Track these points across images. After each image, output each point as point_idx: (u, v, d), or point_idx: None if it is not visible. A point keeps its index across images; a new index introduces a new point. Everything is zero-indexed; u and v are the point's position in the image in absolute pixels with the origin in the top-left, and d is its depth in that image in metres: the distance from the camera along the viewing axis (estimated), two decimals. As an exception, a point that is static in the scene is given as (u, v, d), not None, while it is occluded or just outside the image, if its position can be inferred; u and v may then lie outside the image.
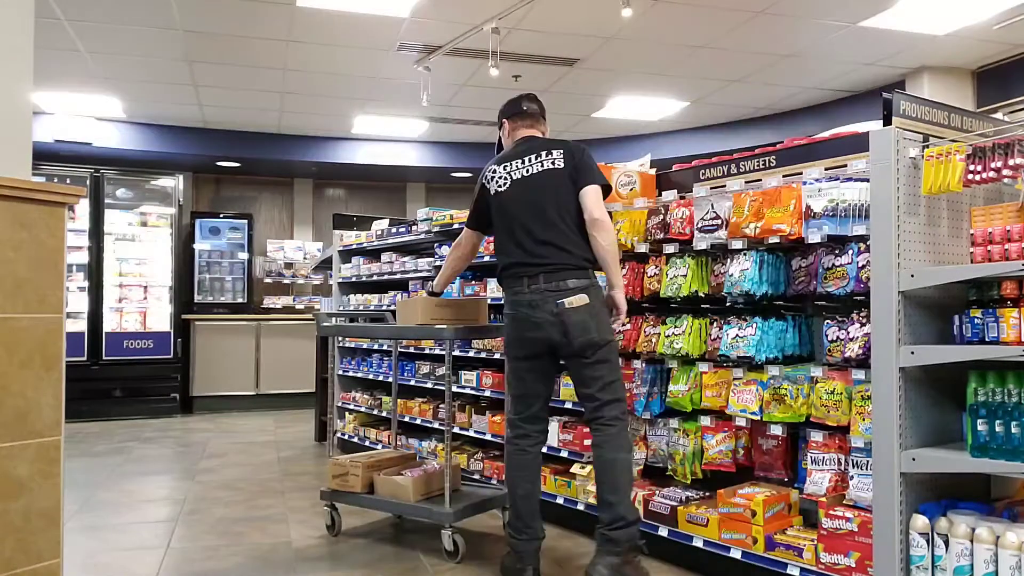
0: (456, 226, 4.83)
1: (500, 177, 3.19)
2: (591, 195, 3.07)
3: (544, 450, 4.01)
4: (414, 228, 5.36)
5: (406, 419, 5.26)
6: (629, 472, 3.03)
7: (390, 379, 5.49)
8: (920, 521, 2.50)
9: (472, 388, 4.68)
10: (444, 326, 3.58)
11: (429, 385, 5.08)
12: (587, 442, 3.79)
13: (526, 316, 3.03)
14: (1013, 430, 2.30)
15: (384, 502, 3.75)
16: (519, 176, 3.15)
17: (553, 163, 3.12)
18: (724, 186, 3.31)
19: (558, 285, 2.98)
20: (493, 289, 4.56)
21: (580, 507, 3.76)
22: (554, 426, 3.99)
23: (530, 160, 3.15)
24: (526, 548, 3.08)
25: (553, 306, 2.97)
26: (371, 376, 5.76)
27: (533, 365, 3.11)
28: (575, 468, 3.82)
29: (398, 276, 5.56)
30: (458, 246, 3.53)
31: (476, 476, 4.47)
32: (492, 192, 3.21)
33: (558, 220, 3.05)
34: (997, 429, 2.33)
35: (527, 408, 3.16)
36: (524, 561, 3.06)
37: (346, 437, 5.98)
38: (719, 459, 3.24)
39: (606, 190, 3.16)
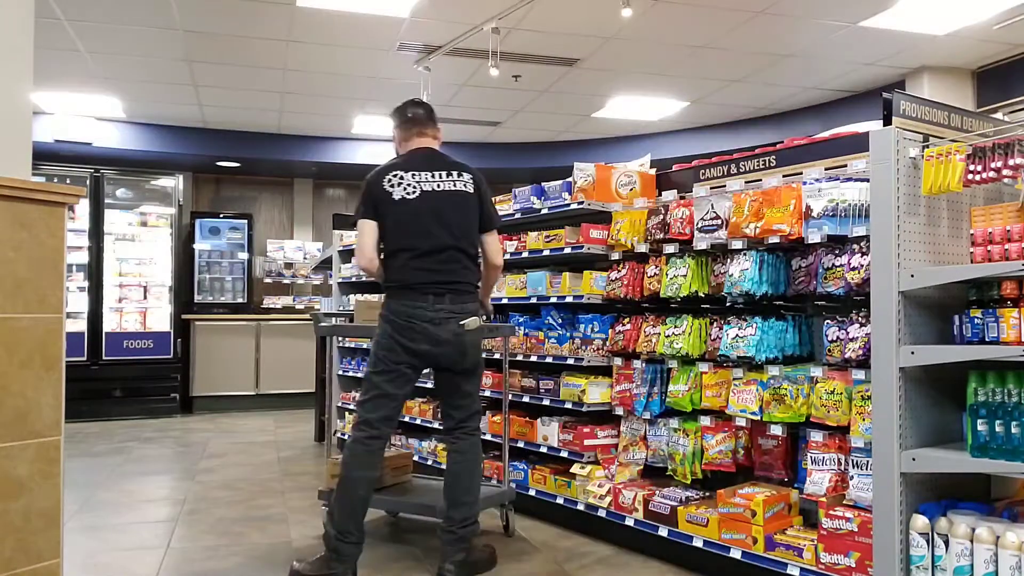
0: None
1: (409, 185, 3.12)
2: (494, 242, 3.30)
3: (544, 450, 4.04)
4: (414, 228, 5.35)
5: (406, 419, 5.25)
6: (481, 476, 3.41)
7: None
8: (920, 521, 2.49)
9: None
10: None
11: (429, 385, 5.07)
12: (586, 442, 3.80)
13: (423, 330, 3.06)
14: (1013, 430, 2.30)
15: (383, 500, 3.75)
16: (429, 189, 3.13)
17: (464, 185, 3.20)
18: (724, 186, 3.32)
19: (463, 307, 3.12)
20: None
21: (580, 507, 3.76)
22: (554, 426, 3.99)
23: (440, 176, 3.17)
24: (353, 552, 3.11)
25: (455, 326, 3.08)
26: (371, 376, 5.75)
27: (412, 376, 3.16)
28: (575, 468, 3.83)
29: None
30: (372, 245, 3.19)
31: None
32: (396, 198, 3.11)
33: (465, 243, 3.17)
34: (997, 429, 2.33)
35: (390, 411, 3.17)
36: (346, 563, 3.09)
37: (346, 437, 5.97)
38: (719, 459, 3.24)
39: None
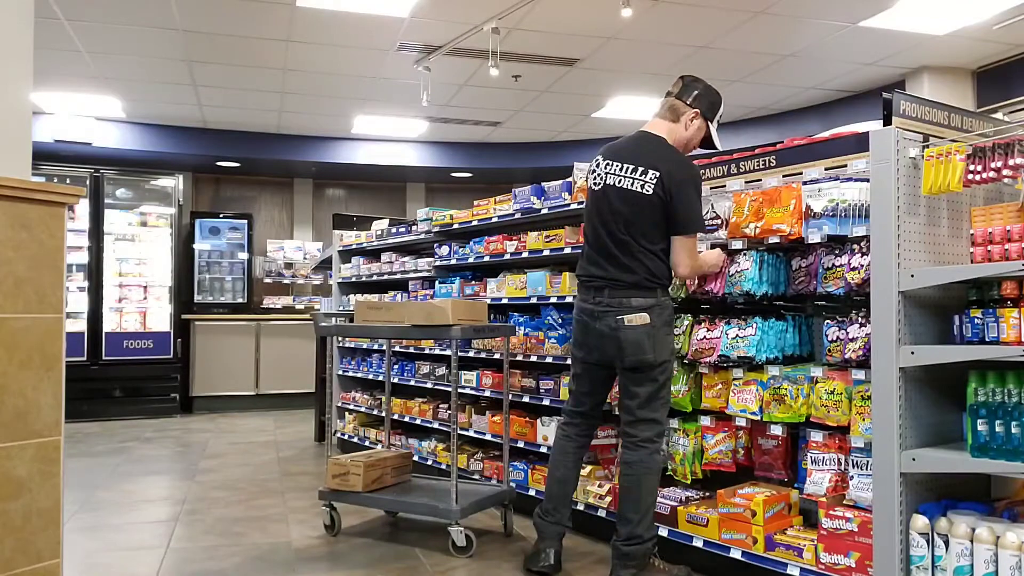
0: (456, 226, 4.83)
1: (597, 175, 3.13)
2: (679, 250, 3.01)
3: (544, 450, 4.04)
4: (414, 228, 5.36)
5: (406, 419, 5.26)
6: (653, 494, 3.09)
7: (391, 379, 5.50)
8: (920, 521, 2.49)
9: (472, 388, 4.67)
10: (453, 324, 3.60)
11: (429, 385, 5.07)
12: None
13: (586, 324, 3.11)
14: (1013, 430, 2.30)
15: (383, 500, 3.76)
16: (611, 183, 3.06)
17: (643, 187, 2.99)
18: (724, 186, 3.31)
19: (620, 302, 3.01)
20: (493, 289, 4.56)
21: (580, 507, 3.76)
22: (554, 426, 3.98)
23: (624, 170, 3.04)
24: (550, 531, 3.22)
25: (612, 321, 3.01)
26: (371, 376, 5.76)
27: (587, 368, 3.21)
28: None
29: (398, 276, 5.56)
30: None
31: (476, 476, 4.47)
32: (589, 186, 3.19)
33: (631, 244, 3.01)
34: (997, 429, 2.33)
35: (576, 404, 3.31)
36: (545, 542, 3.22)
37: (346, 437, 5.98)
38: (719, 459, 3.24)
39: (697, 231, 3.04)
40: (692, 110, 3.11)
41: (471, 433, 4.62)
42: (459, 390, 4.77)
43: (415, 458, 5.05)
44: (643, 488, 3.04)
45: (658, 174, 2.96)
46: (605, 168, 3.09)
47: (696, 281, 3.26)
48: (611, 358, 3.06)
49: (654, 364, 3.00)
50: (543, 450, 4.06)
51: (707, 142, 3.22)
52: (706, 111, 3.14)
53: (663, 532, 3.29)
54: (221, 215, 9.24)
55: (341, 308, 6.44)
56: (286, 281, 9.66)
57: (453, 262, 4.90)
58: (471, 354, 4.71)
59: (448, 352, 4.90)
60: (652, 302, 2.99)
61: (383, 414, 5.55)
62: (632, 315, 2.97)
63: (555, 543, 3.23)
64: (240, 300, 9.07)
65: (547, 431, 4.04)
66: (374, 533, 3.89)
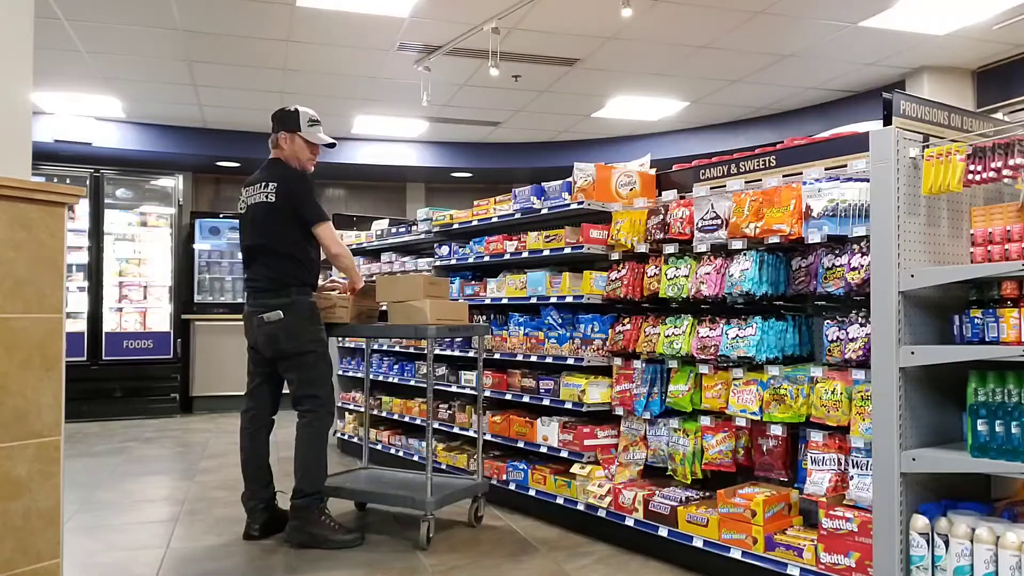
0: (456, 226, 4.83)
1: (241, 202, 3.84)
2: (324, 235, 3.72)
3: (544, 450, 4.04)
4: (414, 228, 5.36)
5: (406, 419, 5.26)
6: (313, 450, 3.68)
7: (391, 379, 5.51)
8: (920, 521, 2.49)
9: (472, 388, 4.67)
10: (430, 324, 3.69)
11: (421, 384, 5.06)
12: (586, 442, 3.81)
13: (245, 324, 3.80)
14: (1013, 430, 2.30)
15: (357, 492, 4.04)
16: (250, 202, 3.74)
17: (267, 197, 3.66)
18: (724, 186, 3.31)
19: (263, 303, 3.65)
20: (493, 289, 4.56)
21: (580, 507, 3.76)
22: (554, 426, 3.99)
23: (255, 189, 3.73)
24: (249, 507, 3.76)
25: (256, 320, 3.67)
26: (371, 376, 5.75)
27: (252, 356, 3.84)
28: (575, 468, 3.82)
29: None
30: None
31: (475, 475, 4.46)
32: (239, 211, 3.86)
33: (266, 250, 3.67)
34: (997, 429, 2.33)
35: (248, 385, 3.89)
36: (253, 516, 3.76)
37: (346, 437, 5.98)
38: (719, 459, 3.24)
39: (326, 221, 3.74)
40: (278, 134, 3.82)
41: (471, 433, 4.62)
42: (460, 390, 4.79)
43: (415, 458, 5.06)
44: (303, 446, 3.67)
45: (275, 184, 3.67)
46: (245, 195, 3.79)
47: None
48: (261, 349, 3.72)
49: (291, 353, 3.65)
50: (543, 450, 4.06)
51: (315, 146, 3.90)
52: (287, 126, 3.81)
53: (663, 532, 3.29)
54: (221, 215, 9.24)
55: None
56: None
57: (453, 262, 4.90)
58: (471, 354, 4.71)
59: (448, 352, 4.91)
60: (287, 301, 3.62)
61: (383, 414, 5.56)
62: (269, 313, 3.62)
63: (262, 515, 3.74)
64: (240, 300, 9.05)
65: (547, 431, 4.04)
66: (374, 533, 3.89)
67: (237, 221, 3.98)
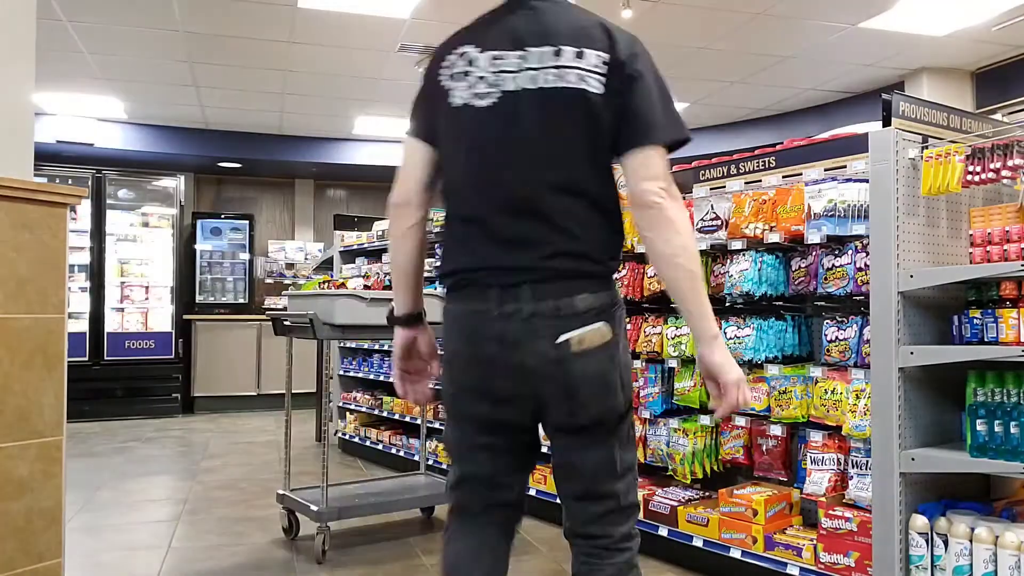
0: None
1: (473, 78, 1.61)
2: (648, 164, 1.56)
3: (544, 450, 4.03)
4: (415, 229, 5.35)
5: (407, 419, 5.27)
6: None
7: (391, 379, 5.50)
8: (919, 521, 2.50)
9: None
10: None
11: (430, 385, 5.07)
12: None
13: (491, 357, 1.59)
14: (1012, 430, 2.31)
15: (355, 508, 3.79)
16: (511, 87, 1.58)
17: (580, 80, 1.55)
18: (724, 187, 3.32)
19: (558, 306, 1.55)
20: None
21: (580, 507, 3.76)
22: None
23: (530, 59, 1.58)
24: None
25: (548, 343, 1.55)
26: (372, 376, 5.77)
27: (484, 433, 1.73)
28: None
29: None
30: (409, 176, 1.73)
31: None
32: (452, 104, 1.63)
33: (561, 196, 1.57)
34: (996, 429, 2.34)
35: (467, 484, 1.88)
36: None
37: (347, 437, 5.99)
38: (733, 453, 3.26)
39: (675, 146, 1.62)
40: None
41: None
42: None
43: (415, 458, 5.07)
44: None
45: (606, 56, 1.55)
46: (490, 65, 1.60)
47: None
48: (543, 410, 1.64)
49: (623, 411, 1.65)
50: (543, 450, 4.05)
51: None
52: None
53: (663, 532, 3.30)
54: (222, 216, 9.25)
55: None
56: (287, 282, 9.67)
57: (454, 263, 4.90)
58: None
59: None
60: (608, 300, 1.60)
61: (384, 414, 5.57)
62: (583, 330, 1.55)
63: None
64: (241, 300, 9.08)
65: (547, 431, 4.04)
66: (374, 533, 3.90)
67: (242, 222, 3.79)
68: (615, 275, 1.69)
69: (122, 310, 8.28)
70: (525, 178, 1.57)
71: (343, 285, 3.93)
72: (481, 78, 1.60)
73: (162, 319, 8.44)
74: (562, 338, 1.54)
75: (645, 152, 1.57)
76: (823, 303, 3.04)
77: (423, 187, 1.72)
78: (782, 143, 3.28)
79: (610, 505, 1.68)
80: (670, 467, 3.47)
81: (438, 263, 1.95)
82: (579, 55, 1.56)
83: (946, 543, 2.45)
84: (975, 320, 2.46)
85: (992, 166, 2.47)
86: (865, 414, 2.67)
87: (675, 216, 1.55)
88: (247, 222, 9.20)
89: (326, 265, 7.46)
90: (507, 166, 1.58)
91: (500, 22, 1.67)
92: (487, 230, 1.59)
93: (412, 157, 1.72)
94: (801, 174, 3.02)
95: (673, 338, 3.38)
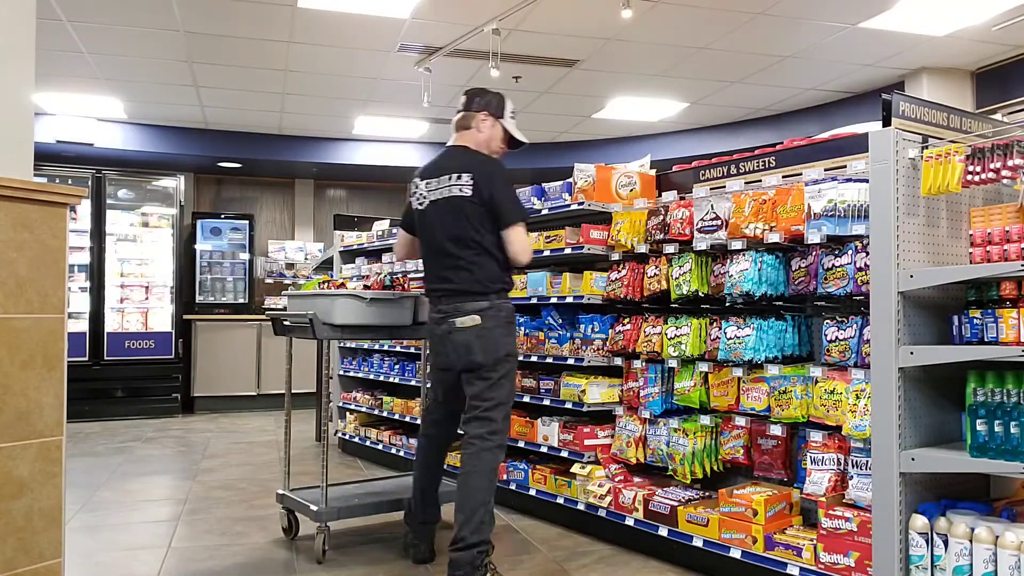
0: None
1: (420, 195, 3.24)
2: (513, 241, 3.09)
3: (544, 450, 4.05)
4: (415, 229, 5.36)
5: (407, 419, 5.27)
6: (477, 490, 2.99)
7: (391, 379, 5.51)
8: (919, 521, 2.50)
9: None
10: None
11: (430, 385, 5.07)
12: (586, 442, 3.81)
13: (431, 331, 3.25)
14: (1012, 430, 2.30)
15: (349, 508, 3.72)
16: (433, 199, 3.16)
17: (460, 190, 3.08)
18: (724, 187, 3.32)
19: (456, 307, 3.10)
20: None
21: (580, 507, 3.77)
22: (554, 426, 4.00)
23: (441, 183, 3.15)
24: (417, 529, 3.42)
25: (448, 325, 3.12)
26: (371, 376, 5.77)
27: (437, 373, 3.34)
28: (575, 468, 3.83)
29: (399, 276, 5.56)
30: (400, 247, 3.57)
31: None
32: (414, 207, 3.28)
33: (462, 249, 3.10)
34: (996, 429, 2.34)
35: (435, 408, 3.44)
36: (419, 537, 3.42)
37: (347, 437, 5.99)
38: (732, 453, 3.26)
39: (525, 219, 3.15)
40: (478, 114, 3.23)
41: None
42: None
43: (415, 458, 5.06)
44: (468, 482, 3.00)
45: (471, 175, 3.07)
46: (425, 188, 3.20)
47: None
48: (450, 361, 3.16)
49: (482, 364, 3.07)
50: (543, 450, 4.07)
51: (512, 141, 3.33)
52: (494, 110, 3.24)
53: (663, 532, 3.30)
54: (222, 216, 9.25)
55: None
56: (287, 281, 9.67)
57: (454, 263, 4.90)
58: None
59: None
60: (485, 304, 3.07)
61: (384, 414, 5.57)
62: (463, 318, 3.07)
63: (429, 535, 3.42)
64: (241, 300, 9.08)
65: (547, 431, 4.04)
66: (375, 534, 3.90)
67: (242, 222, 3.85)
68: (503, 290, 3.15)
69: (122, 310, 8.29)
70: (444, 240, 3.15)
71: (343, 285, 3.92)
72: (422, 194, 3.25)
73: (162, 319, 8.44)
74: (452, 322, 3.12)
75: (507, 231, 3.10)
76: (823, 303, 3.04)
77: (408, 253, 3.56)
78: (782, 143, 3.28)
79: (477, 413, 3.11)
80: (670, 467, 3.47)
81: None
82: (458, 178, 3.11)
83: (946, 543, 2.45)
84: (975, 320, 2.46)
85: (992, 166, 2.47)
86: (865, 414, 2.67)
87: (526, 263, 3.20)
88: (247, 222, 9.20)
89: (326, 265, 7.46)
90: (437, 235, 3.18)
91: (434, 162, 3.31)
92: (431, 268, 3.25)
93: (403, 238, 3.52)
94: (801, 174, 3.02)
95: (673, 338, 3.38)
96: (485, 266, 3.09)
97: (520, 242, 3.09)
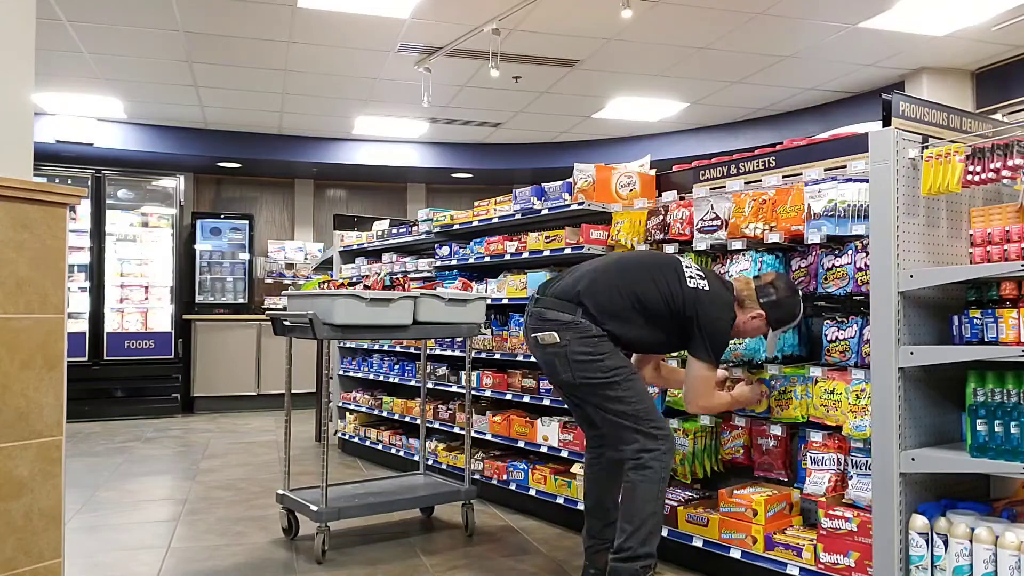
0: (456, 226, 4.84)
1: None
2: (693, 376, 2.89)
3: (544, 450, 4.05)
4: (415, 229, 5.37)
5: (407, 419, 5.27)
6: (649, 504, 2.78)
7: (391, 379, 5.51)
8: (919, 521, 2.50)
9: (473, 389, 4.67)
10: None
11: (430, 385, 5.08)
12: (573, 439, 3.82)
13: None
14: (1012, 430, 2.30)
15: (356, 508, 3.78)
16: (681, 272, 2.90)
17: (692, 283, 2.86)
18: (724, 187, 3.32)
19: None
20: (493, 289, 4.56)
21: (581, 507, 3.76)
22: (554, 426, 4.00)
23: (692, 268, 2.94)
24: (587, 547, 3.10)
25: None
26: (371, 376, 5.77)
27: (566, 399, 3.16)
28: (575, 468, 3.83)
29: (399, 276, 5.56)
30: None
31: (476, 476, 4.48)
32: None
33: (627, 284, 2.89)
34: (996, 429, 2.34)
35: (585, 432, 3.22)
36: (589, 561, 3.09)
37: (347, 437, 5.99)
38: (733, 453, 3.26)
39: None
40: (759, 310, 2.89)
41: (472, 433, 4.62)
42: (460, 390, 4.79)
43: (415, 458, 5.06)
44: (635, 496, 2.79)
45: (710, 287, 2.86)
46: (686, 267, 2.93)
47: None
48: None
49: (573, 383, 2.88)
50: (543, 450, 4.07)
51: (758, 329, 2.97)
52: (772, 321, 2.90)
53: (663, 532, 3.30)
54: (222, 216, 9.25)
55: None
56: (287, 281, 9.67)
57: (454, 262, 4.91)
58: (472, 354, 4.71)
59: (448, 352, 4.92)
60: (568, 319, 2.83)
61: (383, 414, 5.57)
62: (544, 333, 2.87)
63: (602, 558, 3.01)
64: (241, 300, 9.08)
65: (547, 431, 4.04)
66: (375, 534, 3.90)
67: (241, 222, 3.81)
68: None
69: (122, 310, 8.29)
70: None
71: (343, 285, 3.91)
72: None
73: (162, 319, 8.44)
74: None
75: None
76: (823, 303, 3.04)
77: None
78: (782, 143, 3.28)
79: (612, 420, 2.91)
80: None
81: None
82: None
83: (946, 543, 2.45)
84: (975, 320, 2.45)
85: (992, 166, 2.47)
86: (865, 414, 2.67)
87: None
88: (247, 222, 9.20)
89: (326, 265, 7.46)
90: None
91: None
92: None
93: None
94: (801, 174, 3.01)
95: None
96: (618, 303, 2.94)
97: (701, 381, 2.91)
